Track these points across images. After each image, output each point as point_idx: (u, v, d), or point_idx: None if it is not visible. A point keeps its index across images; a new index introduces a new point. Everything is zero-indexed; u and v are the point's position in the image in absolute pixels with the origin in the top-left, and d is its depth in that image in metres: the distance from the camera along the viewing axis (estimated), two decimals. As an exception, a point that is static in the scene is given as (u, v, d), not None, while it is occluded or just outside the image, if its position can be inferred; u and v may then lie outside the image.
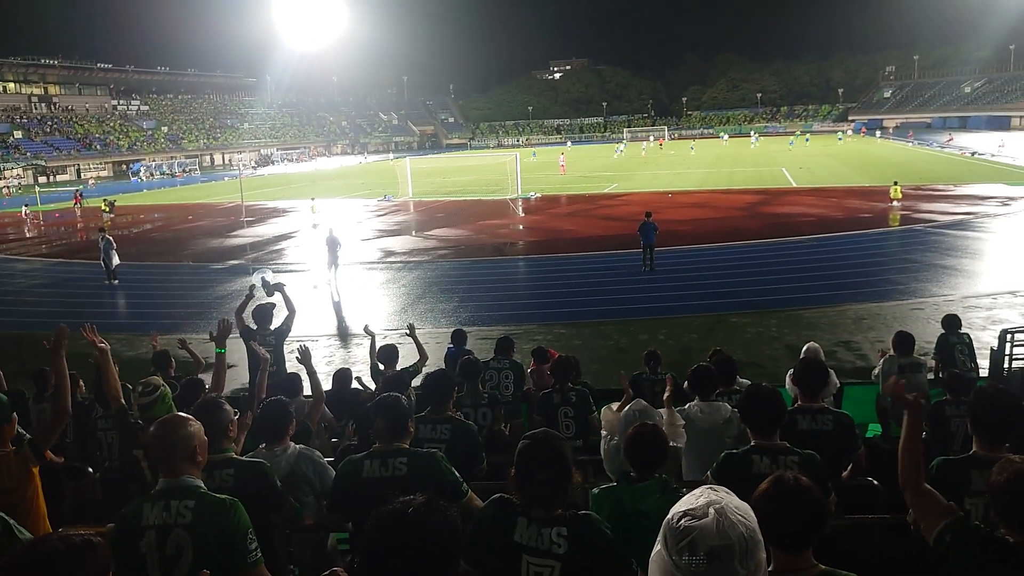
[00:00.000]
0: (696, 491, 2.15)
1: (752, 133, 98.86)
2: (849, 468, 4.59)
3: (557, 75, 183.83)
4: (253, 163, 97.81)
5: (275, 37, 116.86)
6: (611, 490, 3.51)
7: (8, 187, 67.45)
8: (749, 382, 5.30)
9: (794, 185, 40.06)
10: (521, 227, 29.64)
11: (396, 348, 7.96)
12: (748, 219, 28.20)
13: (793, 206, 31.78)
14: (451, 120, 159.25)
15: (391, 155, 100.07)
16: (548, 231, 28.03)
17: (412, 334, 8.20)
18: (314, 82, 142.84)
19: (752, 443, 3.81)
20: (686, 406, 5.22)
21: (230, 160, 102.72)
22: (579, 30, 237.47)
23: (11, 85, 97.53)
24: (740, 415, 4.24)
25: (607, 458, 4.65)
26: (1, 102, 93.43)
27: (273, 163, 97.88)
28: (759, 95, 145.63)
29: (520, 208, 34.89)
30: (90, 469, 6.01)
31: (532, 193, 39.98)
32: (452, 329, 9.81)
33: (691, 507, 2.06)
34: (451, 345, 9.22)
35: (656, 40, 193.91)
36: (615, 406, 4.89)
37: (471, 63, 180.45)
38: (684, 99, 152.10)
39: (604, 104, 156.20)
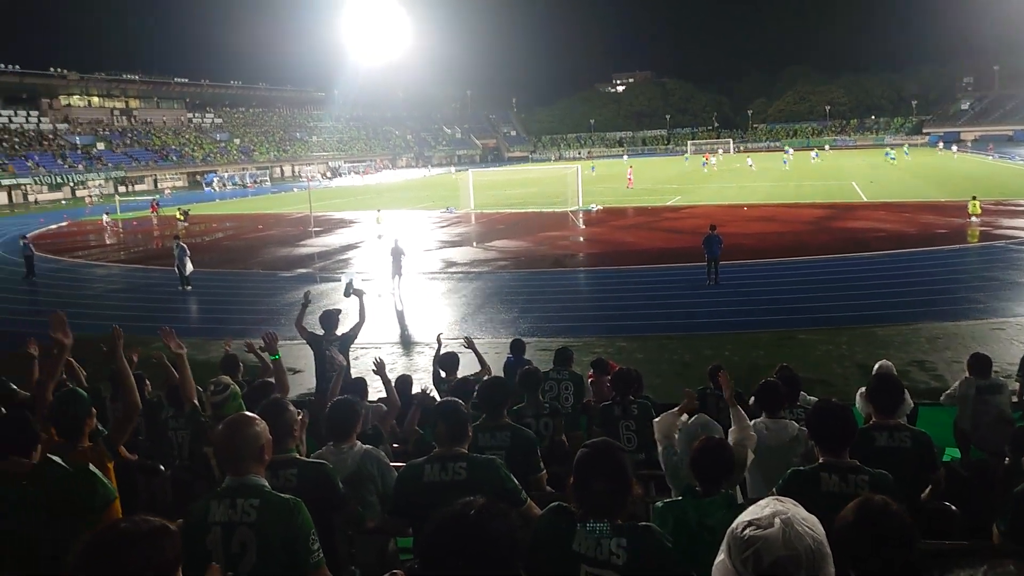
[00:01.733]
0: (762, 501, 2.07)
1: (813, 149, 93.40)
2: (928, 489, 4.40)
3: (620, 88, 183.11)
4: (328, 174, 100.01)
5: (343, 53, 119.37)
6: (675, 504, 3.44)
7: (91, 196, 70.15)
8: (816, 399, 5.14)
9: (864, 199, 39.01)
10: (582, 239, 29.54)
11: (456, 355, 7.98)
12: (816, 233, 27.55)
13: (864, 220, 30.91)
14: (513, 133, 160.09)
15: (453, 168, 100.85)
16: (610, 243, 27.88)
17: (471, 346, 8.21)
18: (380, 96, 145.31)
19: (820, 460, 3.69)
20: (751, 422, 5.10)
21: (299, 172, 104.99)
22: (643, 43, 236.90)
23: (95, 99, 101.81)
24: (808, 432, 4.10)
25: (669, 471, 4.56)
26: (86, 115, 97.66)
27: (340, 175, 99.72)
28: (827, 108, 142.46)
29: (581, 220, 34.79)
30: (162, 467, 6.15)
31: (593, 205, 39.85)
32: (511, 339, 9.79)
33: (756, 517, 1.98)
34: (510, 355, 9.21)
35: (721, 53, 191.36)
36: (669, 414, 4.81)
37: (534, 77, 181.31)
38: (750, 112, 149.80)
39: (667, 117, 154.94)
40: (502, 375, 8.82)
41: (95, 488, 3.34)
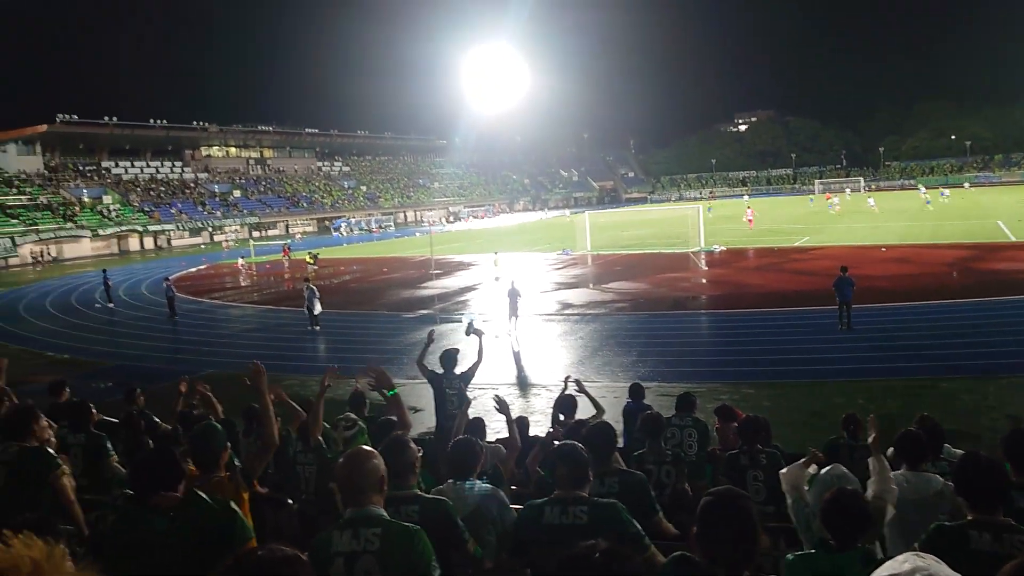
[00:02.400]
0: (900, 556, 1.92)
1: (925, 187, 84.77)
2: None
3: (742, 127, 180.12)
4: (448, 218, 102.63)
5: (464, 101, 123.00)
6: (808, 558, 3.24)
7: (227, 241, 74.48)
8: (962, 452, 4.76)
9: (1013, 239, 36.47)
10: (704, 281, 28.91)
11: (575, 399, 7.89)
12: (958, 275, 25.91)
13: (1012, 261, 28.78)
14: (631, 174, 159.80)
15: (567, 211, 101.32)
16: (733, 285, 27.15)
17: (581, 388, 8.12)
18: (498, 142, 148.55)
19: (969, 518, 3.40)
20: (890, 475, 4.78)
21: (421, 216, 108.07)
22: (764, 81, 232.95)
23: (233, 150, 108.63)
24: (955, 487, 3.79)
25: (801, 524, 4.32)
26: (225, 165, 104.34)
27: (460, 219, 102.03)
28: (968, 143, 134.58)
29: (703, 261, 34.11)
30: (289, 501, 6.32)
31: (716, 246, 39.02)
32: (629, 384, 9.62)
33: (895, 572, 1.83)
34: (629, 400, 9.05)
35: (847, 88, 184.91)
36: (796, 465, 4.57)
37: (652, 118, 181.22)
38: (881, 149, 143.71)
39: (792, 155, 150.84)
40: (621, 420, 8.68)
41: (236, 525, 3.44)
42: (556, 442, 5.85)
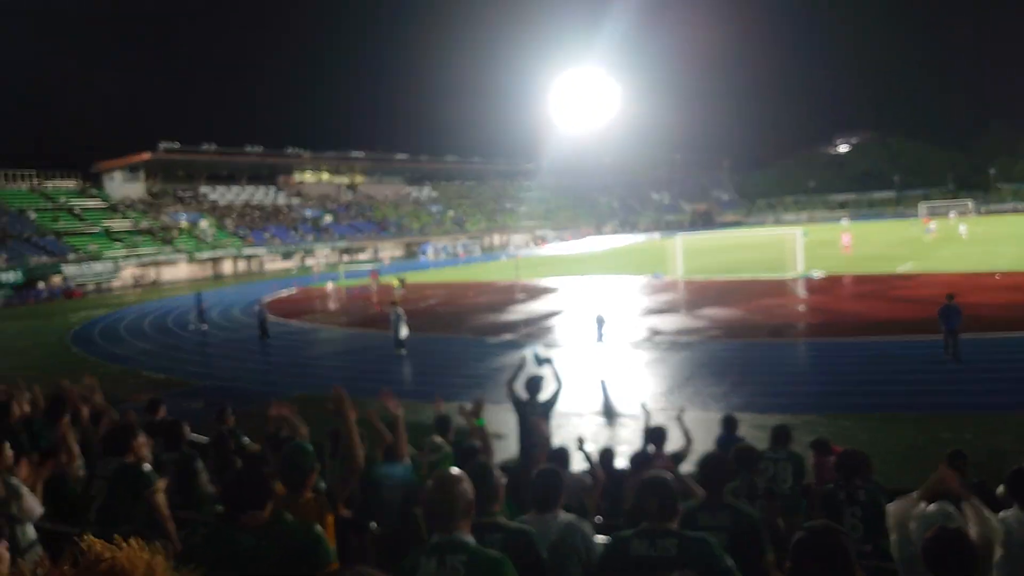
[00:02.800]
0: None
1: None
2: None
3: (842, 149, 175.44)
4: (535, 242, 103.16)
5: (551, 124, 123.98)
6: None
7: (318, 265, 76.64)
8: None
9: None
10: (802, 308, 28.00)
11: (665, 429, 7.67)
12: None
13: None
14: (725, 197, 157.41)
15: (657, 234, 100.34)
16: (833, 313, 26.16)
17: (680, 418, 7.93)
18: (587, 164, 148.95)
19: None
20: (1000, 514, 4.43)
21: (508, 240, 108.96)
22: (866, 101, 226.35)
23: (325, 176, 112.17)
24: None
25: (904, 564, 4.03)
26: (317, 191, 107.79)
27: (547, 243, 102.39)
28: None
29: (801, 287, 33.08)
30: (373, 524, 6.30)
31: (815, 272, 37.82)
32: (722, 415, 9.30)
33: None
34: (721, 432, 8.76)
35: (955, 108, 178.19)
36: (906, 499, 4.27)
37: (747, 139, 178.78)
38: (992, 170, 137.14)
39: (896, 178, 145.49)
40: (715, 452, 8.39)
41: (320, 548, 3.46)
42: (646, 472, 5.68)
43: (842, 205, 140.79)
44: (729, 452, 6.30)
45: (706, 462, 4.71)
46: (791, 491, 7.01)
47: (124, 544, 1.91)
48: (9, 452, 5.50)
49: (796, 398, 15.29)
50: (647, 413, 8.27)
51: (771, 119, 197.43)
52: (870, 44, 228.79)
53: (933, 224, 70.63)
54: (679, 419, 7.92)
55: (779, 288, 33.37)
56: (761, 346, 21.56)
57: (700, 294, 33.69)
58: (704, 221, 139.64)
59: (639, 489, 3.85)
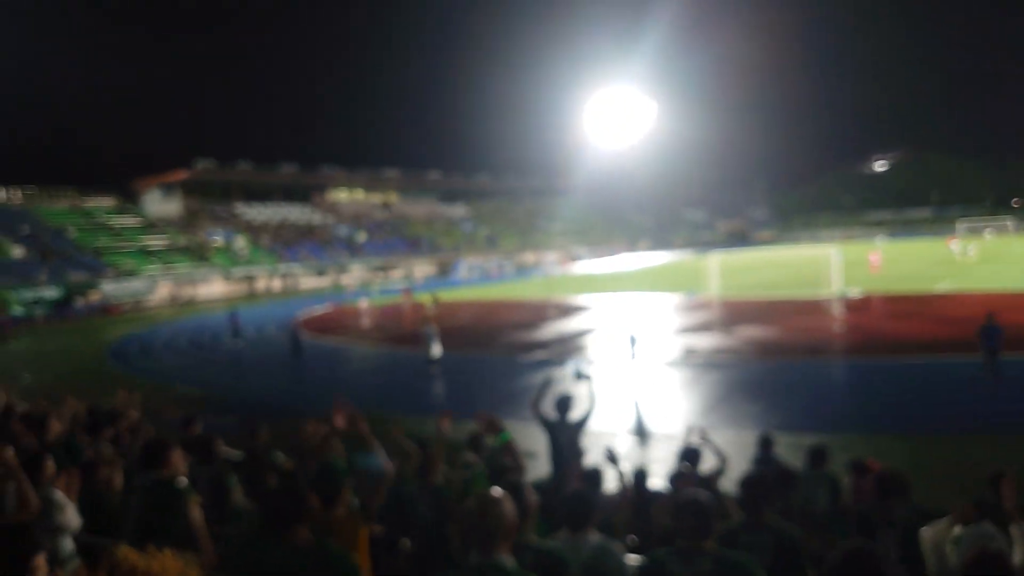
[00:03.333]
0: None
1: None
2: None
3: (879, 167, 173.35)
4: (568, 259, 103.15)
5: (584, 142, 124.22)
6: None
7: (351, 282, 77.25)
8: None
9: None
10: (839, 327, 27.61)
11: (699, 450, 7.60)
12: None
13: None
14: (760, 215, 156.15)
15: (691, 251, 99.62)
16: (870, 332, 25.73)
17: (706, 438, 7.83)
18: (621, 182, 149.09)
19: None
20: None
21: (540, 258, 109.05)
22: (903, 118, 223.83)
23: (359, 194, 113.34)
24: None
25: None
26: (351, 208, 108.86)
27: (579, 260, 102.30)
28: None
29: (838, 306, 32.64)
30: (406, 541, 6.30)
31: (852, 290, 37.29)
32: (758, 434, 9.18)
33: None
34: (757, 451, 8.65)
35: (996, 123, 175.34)
36: (940, 523, 4.20)
37: (783, 157, 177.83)
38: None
39: (933, 196, 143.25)
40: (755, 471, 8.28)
41: (352, 572, 3.51)
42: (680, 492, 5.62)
43: (879, 223, 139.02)
44: (768, 472, 6.22)
45: (747, 481, 4.66)
46: (827, 512, 6.91)
47: (158, 554, 1.93)
48: (51, 465, 5.60)
49: (833, 418, 15.05)
50: (700, 431, 8.17)
51: (807, 137, 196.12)
52: (907, 61, 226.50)
53: (956, 244, 68.30)
54: (706, 439, 7.83)
55: (815, 307, 32.95)
56: (797, 365, 21.28)
57: (735, 313, 33.38)
58: (739, 239, 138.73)
59: (675, 508, 3.81)
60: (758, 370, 20.80)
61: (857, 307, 32.92)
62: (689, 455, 7.71)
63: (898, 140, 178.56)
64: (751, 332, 27.46)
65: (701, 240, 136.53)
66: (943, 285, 39.30)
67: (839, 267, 38.87)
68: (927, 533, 4.25)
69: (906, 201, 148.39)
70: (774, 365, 21.43)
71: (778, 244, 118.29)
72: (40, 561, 2.40)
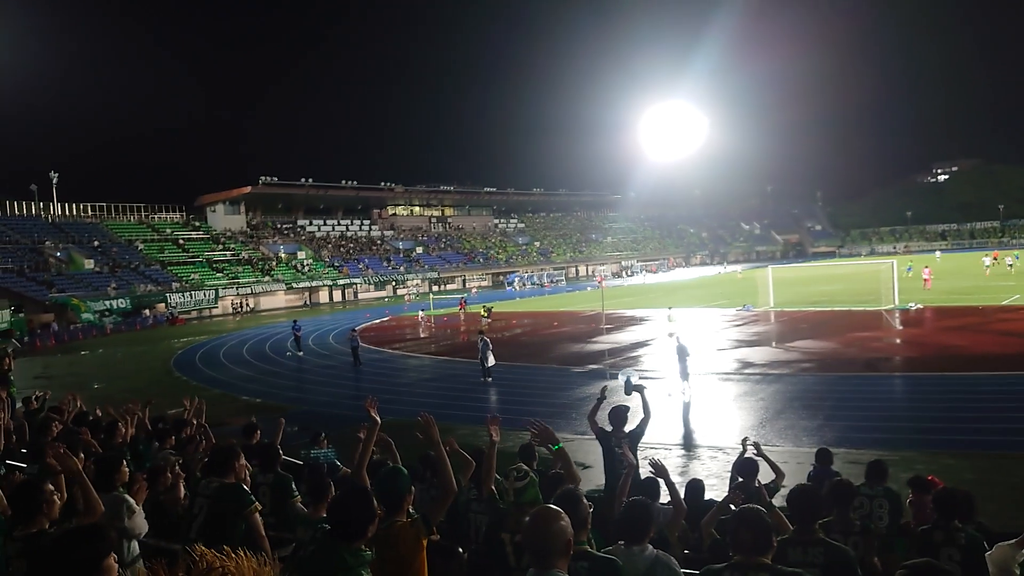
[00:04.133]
0: None
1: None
2: None
3: (942, 177, 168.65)
4: (624, 272, 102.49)
5: (639, 155, 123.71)
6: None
7: (409, 294, 78.00)
8: None
9: None
10: (899, 341, 26.93)
11: (757, 463, 7.52)
12: None
13: None
14: (818, 228, 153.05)
15: (739, 266, 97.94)
16: (932, 346, 25.05)
17: (760, 452, 7.75)
18: (675, 195, 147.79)
19: None
20: None
21: (593, 271, 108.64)
22: (968, 128, 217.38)
23: (417, 209, 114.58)
24: None
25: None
26: (409, 223, 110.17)
27: (633, 274, 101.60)
28: None
29: (898, 320, 31.84)
30: (460, 549, 6.36)
31: (912, 304, 36.31)
32: (815, 448, 9.04)
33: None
34: (815, 465, 8.51)
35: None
36: (1007, 545, 4.08)
37: (842, 169, 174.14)
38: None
39: (1000, 207, 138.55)
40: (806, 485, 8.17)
41: None
42: (732, 505, 5.60)
43: (942, 235, 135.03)
44: (823, 486, 6.13)
45: (797, 495, 4.59)
46: (888, 529, 6.76)
47: (233, 555, 2.01)
48: (123, 470, 5.82)
49: (893, 433, 14.69)
50: (754, 446, 8.09)
51: (866, 148, 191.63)
52: (971, 68, 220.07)
53: (988, 259, 64.06)
54: (760, 453, 7.74)
55: (874, 320, 32.18)
56: (856, 379, 20.83)
57: (791, 326, 32.79)
58: (796, 252, 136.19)
59: (732, 521, 3.78)
60: (815, 384, 20.41)
61: (918, 320, 32.08)
62: (745, 468, 7.64)
63: (961, 150, 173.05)
64: (808, 345, 26.94)
65: (758, 253, 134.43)
66: (1012, 299, 38.02)
67: (897, 280, 37.93)
68: (994, 555, 4.13)
69: (971, 213, 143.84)
70: (832, 379, 21.01)
71: (836, 258, 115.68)
72: (111, 561, 2.53)
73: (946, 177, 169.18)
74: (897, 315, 33.31)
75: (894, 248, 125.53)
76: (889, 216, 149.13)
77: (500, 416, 5.75)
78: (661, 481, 6.07)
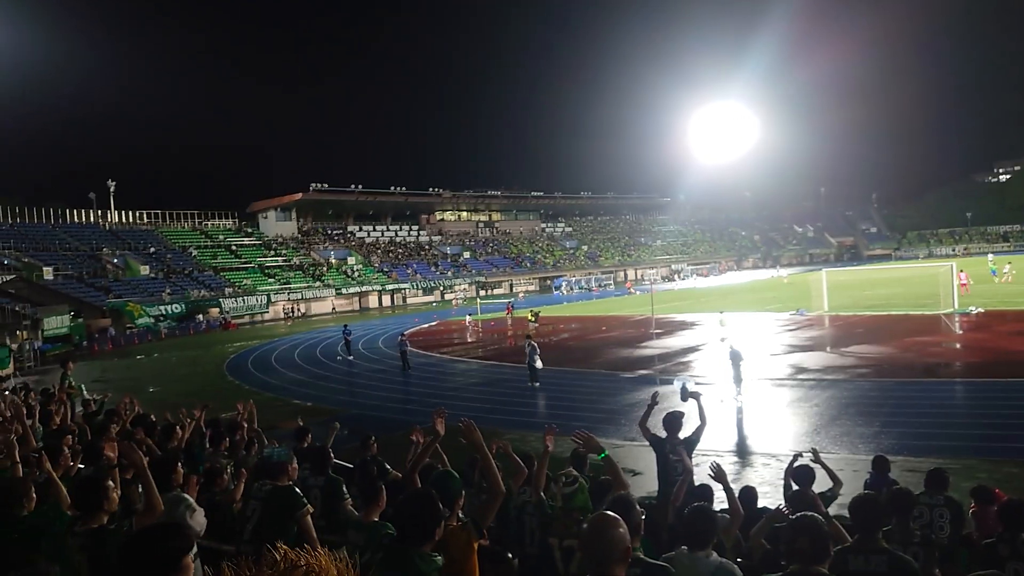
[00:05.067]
0: None
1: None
2: None
3: (1003, 177, 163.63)
4: (676, 276, 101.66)
5: (688, 158, 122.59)
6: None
7: (456, 299, 78.44)
8: None
9: None
10: (958, 346, 26.17)
11: (813, 470, 7.37)
12: None
13: None
14: (873, 230, 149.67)
15: (785, 270, 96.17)
16: (994, 351, 24.24)
17: (818, 459, 7.59)
18: (725, 198, 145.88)
19: None
20: None
21: (641, 275, 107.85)
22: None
23: (464, 214, 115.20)
24: None
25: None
26: (456, 228, 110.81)
27: (684, 278, 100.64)
28: None
29: (957, 324, 30.97)
30: (509, 554, 6.35)
31: (972, 308, 35.27)
32: (872, 456, 8.82)
33: None
34: (871, 472, 8.30)
35: None
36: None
37: (897, 170, 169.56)
38: None
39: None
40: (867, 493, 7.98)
41: None
42: (785, 512, 5.47)
43: (1004, 237, 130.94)
44: (881, 495, 5.97)
45: (859, 503, 4.49)
46: (949, 540, 6.56)
47: (315, 552, 2.05)
48: (180, 470, 5.93)
49: (953, 441, 14.26)
50: (812, 451, 7.92)
51: (923, 148, 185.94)
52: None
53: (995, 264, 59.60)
54: (817, 460, 7.57)
55: (933, 325, 31.33)
56: (914, 385, 20.27)
57: (847, 331, 32.11)
58: (851, 255, 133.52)
59: (788, 530, 3.71)
60: (871, 390, 19.92)
61: (979, 324, 31.16)
62: (801, 476, 7.48)
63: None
64: (863, 350, 26.35)
65: (811, 256, 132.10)
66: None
67: (955, 283, 36.90)
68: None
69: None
70: (889, 385, 20.49)
71: (893, 261, 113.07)
72: (190, 559, 2.58)
73: (1008, 176, 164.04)
74: (957, 319, 32.39)
75: (953, 250, 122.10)
76: (948, 217, 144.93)
77: (554, 425, 5.70)
78: (718, 487, 5.98)
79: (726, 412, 18.08)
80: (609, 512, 3.30)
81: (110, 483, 4.86)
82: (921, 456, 12.94)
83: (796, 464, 7.65)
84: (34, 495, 5.17)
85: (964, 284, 45.16)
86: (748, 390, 19.76)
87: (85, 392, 17.80)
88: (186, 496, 5.62)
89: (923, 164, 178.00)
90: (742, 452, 14.83)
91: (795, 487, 7.30)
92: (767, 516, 5.81)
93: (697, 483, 7.44)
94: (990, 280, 52.47)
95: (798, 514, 3.92)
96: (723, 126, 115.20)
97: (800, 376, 22.41)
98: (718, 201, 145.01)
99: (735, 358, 19.63)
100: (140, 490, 5.10)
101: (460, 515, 4.85)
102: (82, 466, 7.86)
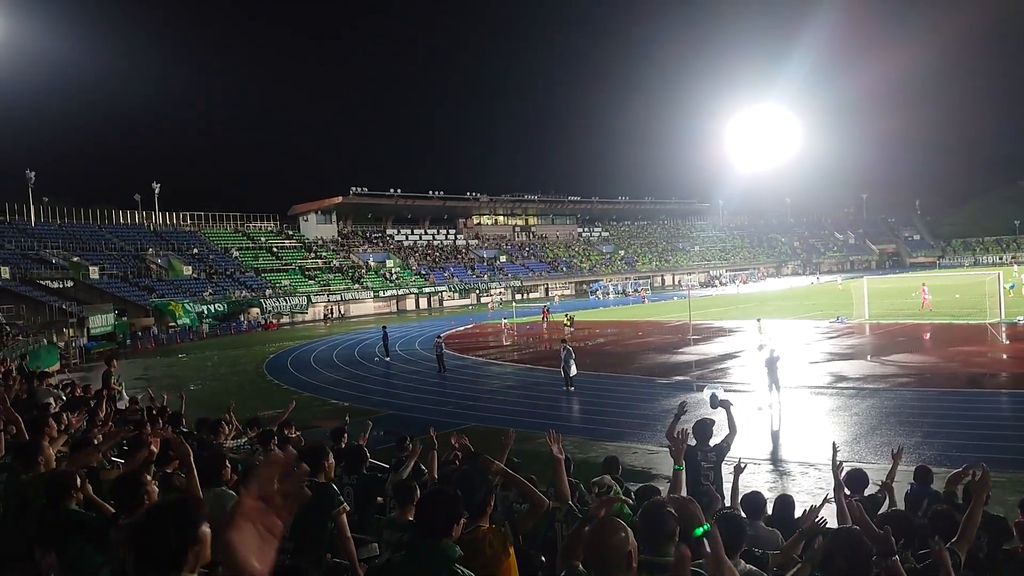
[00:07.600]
0: None
1: None
2: None
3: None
4: (714, 281, 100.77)
5: (727, 163, 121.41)
6: None
7: (492, 302, 78.59)
8: None
9: None
10: (1005, 356, 25.59)
11: (866, 474, 7.30)
12: None
13: None
14: (916, 237, 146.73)
15: (839, 276, 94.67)
16: (1040, 362, 23.70)
17: (896, 453, 7.53)
18: (765, 203, 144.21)
19: None
20: None
21: (679, 280, 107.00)
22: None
23: (501, 218, 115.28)
24: None
25: None
26: (493, 232, 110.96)
27: (723, 284, 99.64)
28: None
29: (1004, 334, 30.26)
30: (543, 559, 6.35)
31: (1020, 317, 34.48)
32: (913, 467, 8.67)
33: None
34: (912, 483, 8.15)
35: None
36: None
37: (942, 176, 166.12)
38: None
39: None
40: (901, 504, 7.85)
41: None
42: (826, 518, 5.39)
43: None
44: (921, 507, 5.86)
45: (887, 521, 4.38)
46: (990, 553, 6.40)
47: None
48: (228, 466, 6.02)
49: (998, 453, 13.91)
50: (897, 448, 7.83)
51: (969, 154, 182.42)
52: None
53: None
54: (895, 456, 7.53)
55: (977, 334, 30.66)
56: (958, 395, 19.86)
57: (889, 339, 31.57)
58: (893, 263, 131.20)
59: (828, 542, 3.63)
60: (913, 399, 19.54)
61: (1028, 335, 30.44)
62: (853, 481, 7.35)
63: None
64: (905, 359, 25.88)
65: (852, 263, 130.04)
66: None
67: (1002, 293, 36.09)
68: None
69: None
70: (931, 395, 20.10)
71: (936, 269, 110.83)
72: (206, 529, 2.57)
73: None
74: (1003, 329, 31.66)
75: (1000, 259, 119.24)
76: (994, 225, 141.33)
77: (578, 426, 5.71)
78: (769, 495, 5.91)
79: (763, 420, 17.88)
80: (612, 518, 3.26)
81: (147, 476, 4.95)
82: (963, 468, 12.63)
83: (850, 469, 7.50)
84: (80, 493, 5.24)
85: (925, 299, 43.16)
86: (785, 397, 19.50)
87: (125, 392, 18.08)
88: (231, 492, 5.69)
89: (969, 171, 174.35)
90: (779, 460, 14.66)
91: (846, 492, 7.19)
92: (799, 531, 5.71)
93: (749, 491, 7.32)
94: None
95: (838, 527, 3.83)
96: (763, 130, 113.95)
97: (840, 384, 22.08)
98: (757, 206, 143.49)
99: (771, 364, 19.40)
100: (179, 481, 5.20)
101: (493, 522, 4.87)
102: (122, 461, 8.02)
